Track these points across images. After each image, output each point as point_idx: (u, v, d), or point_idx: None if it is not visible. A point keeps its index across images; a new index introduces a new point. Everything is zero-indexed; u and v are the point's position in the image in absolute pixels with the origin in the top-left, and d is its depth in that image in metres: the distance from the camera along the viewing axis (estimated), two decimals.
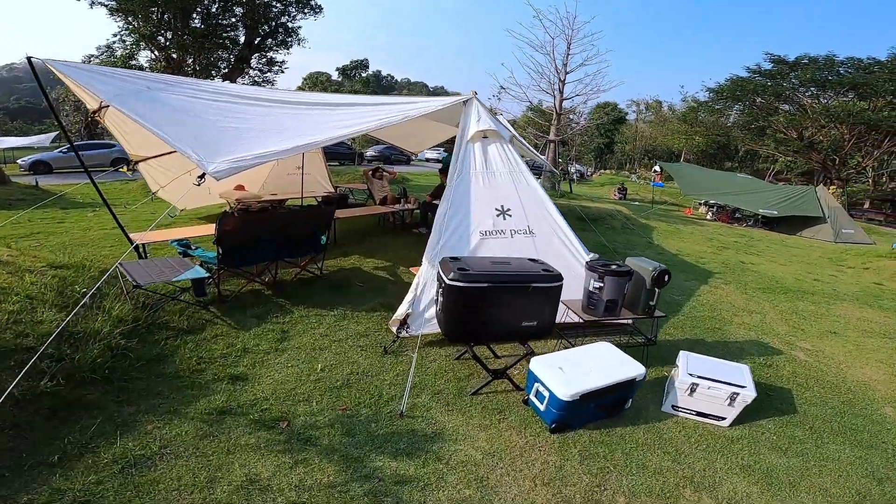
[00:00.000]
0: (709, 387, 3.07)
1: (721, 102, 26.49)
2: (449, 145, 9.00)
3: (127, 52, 17.61)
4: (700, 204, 18.09)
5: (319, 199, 9.11)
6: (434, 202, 7.16)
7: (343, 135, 3.82)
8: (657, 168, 38.99)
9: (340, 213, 6.56)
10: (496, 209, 4.13)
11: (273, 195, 8.77)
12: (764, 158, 36.24)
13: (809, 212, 14.60)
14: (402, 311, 3.67)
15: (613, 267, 3.34)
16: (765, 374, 4.03)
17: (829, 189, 16.57)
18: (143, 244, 4.83)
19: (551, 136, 17.75)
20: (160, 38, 17.17)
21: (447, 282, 2.81)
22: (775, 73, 22.33)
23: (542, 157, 21.79)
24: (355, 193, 10.43)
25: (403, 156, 27.69)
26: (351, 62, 43.11)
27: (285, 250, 4.63)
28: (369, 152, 27.41)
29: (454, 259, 3.08)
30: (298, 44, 21.77)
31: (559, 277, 3.02)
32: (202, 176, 2.87)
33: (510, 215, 4.14)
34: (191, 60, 17.88)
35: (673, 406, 3.21)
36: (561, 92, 16.65)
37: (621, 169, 46.64)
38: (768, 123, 24.35)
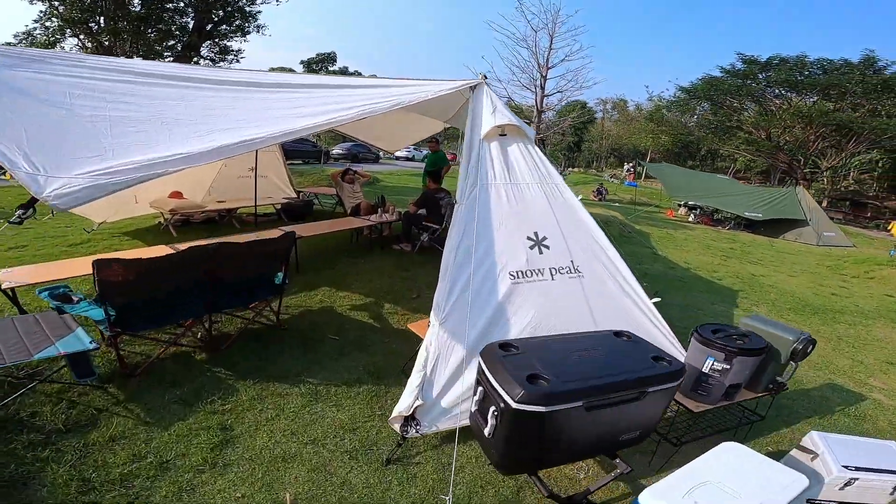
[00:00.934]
0: (871, 479, 2.24)
1: (694, 102, 26.60)
2: (428, 143, 7.75)
3: (49, 38, 15.17)
4: (679, 205, 17.77)
5: (279, 207, 7.63)
6: (419, 212, 5.90)
7: (305, 128, 2.52)
8: (629, 166, 39.28)
9: (302, 231, 5.17)
10: (529, 238, 2.95)
11: (220, 203, 7.23)
12: (723, 157, 37.21)
13: (792, 214, 14.45)
14: (406, 402, 2.43)
15: (742, 342, 2.25)
16: (863, 428, 3.32)
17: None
18: (10, 288, 3.23)
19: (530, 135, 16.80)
20: (92, 23, 14.88)
21: (514, 405, 1.60)
22: (748, 73, 22.45)
23: None
24: (322, 199, 8.97)
25: (371, 154, 26.11)
26: (317, 55, 40.69)
27: (222, 300, 3.26)
28: (336, 150, 25.60)
29: (507, 348, 1.89)
30: (257, 31, 19.76)
31: (681, 371, 1.90)
32: (28, 206, 1.51)
33: (547, 246, 2.98)
34: (128, 48, 15.65)
35: (809, 501, 2.25)
36: (542, 88, 15.71)
37: (589, 167, 46.87)
38: (738, 124, 24.59)
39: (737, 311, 5.69)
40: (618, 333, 2.18)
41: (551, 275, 2.92)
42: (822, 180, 26.07)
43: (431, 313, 2.67)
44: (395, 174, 20.97)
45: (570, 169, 41.76)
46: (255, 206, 6.74)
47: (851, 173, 25.44)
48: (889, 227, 22.10)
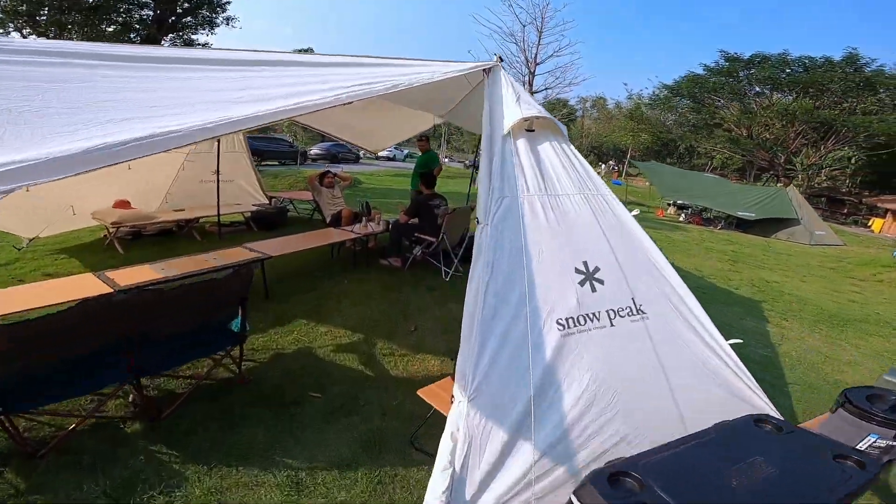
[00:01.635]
0: None
1: (676, 99, 26.54)
2: (417, 141, 6.94)
3: None
4: (669, 205, 17.47)
5: (248, 215, 6.68)
6: (412, 222, 5.08)
7: (248, 117, 1.68)
8: (612, 164, 39.22)
9: (273, 248, 4.29)
10: (578, 270, 2.19)
11: (179, 212, 6.24)
12: (700, 155, 37.61)
13: (784, 213, 14.25)
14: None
15: None
16: None
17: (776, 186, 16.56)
18: None
19: None
20: (40, 16, 13.45)
21: None
22: (731, 70, 22.41)
23: None
24: (298, 205, 8.04)
25: (351, 154, 25.03)
26: (293, 51, 39.14)
27: (151, 361, 2.38)
28: (314, 150, 24.40)
29: (622, 482, 1.11)
30: (227, 23, 18.48)
31: (875, 476, 1.18)
32: None
33: (601, 281, 2.22)
34: (76, 39, 14.24)
35: None
36: (530, 85, 15.07)
37: None
38: (720, 121, 24.61)
39: (770, 327, 5.10)
40: (758, 420, 1.45)
41: (609, 319, 2.17)
42: (799, 177, 26.43)
43: (455, 387, 1.87)
44: (377, 175, 20.00)
45: None
46: (219, 215, 5.79)
47: (824, 170, 25.86)
48: (869, 224, 22.46)
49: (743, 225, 14.64)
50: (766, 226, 14.33)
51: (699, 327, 2.39)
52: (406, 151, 34.05)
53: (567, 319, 2.06)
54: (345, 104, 1.91)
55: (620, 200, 2.62)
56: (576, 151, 2.61)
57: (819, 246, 13.22)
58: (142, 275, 3.35)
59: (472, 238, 5.68)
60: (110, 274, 3.40)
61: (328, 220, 5.66)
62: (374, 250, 5.75)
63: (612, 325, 2.17)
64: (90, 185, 5.46)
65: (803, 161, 23.46)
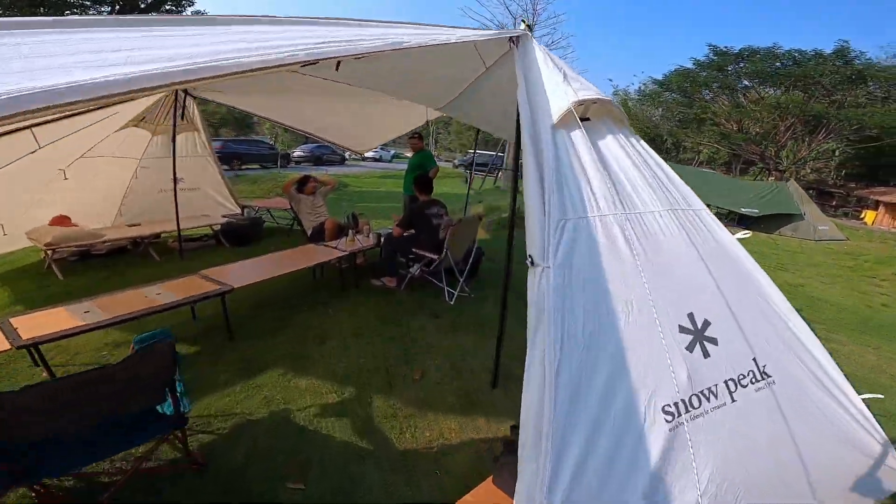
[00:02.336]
0: None
1: (666, 94, 26.23)
2: (409, 139, 6.16)
3: None
4: None
5: (217, 228, 5.82)
6: (406, 233, 4.31)
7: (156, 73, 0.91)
8: None
9: (237, 276, 3.48)
10: (683, 328, 1.46)
11: (133, 227, 5.36)
12: (686, 149, 37.52)
13: (787, 209, 13.85)
14: None
15: None
16: None
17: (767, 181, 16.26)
18: None
19: None
20: None
21: None
22: (721, 65, 22.11)
23: (490, 153, 19.55)
24: (276, 214, 7.18)
25: (336, 155, 24.08)
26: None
27: (45, 463, 1.58)
28: (297, 152, 23.40)
29: None
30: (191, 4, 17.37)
31: None
32: None
33: (713, 340, 1.49)
34: None
35: None
36: None
37: None
38: (712, 116, 24.35)
39: (826, 345, 4.47)
40: None
41: (729, 393, 1.44)
42: (786, 171, 26.33)
43: None
44: (365, 177, 19.15)
45: None
46: (179, 230, 4.94)
47: (809, 163, 25.80)
48: (861, 216, 22.38)
49: (745, 221, 14.21)
50: (770, 222, 13.93)
51: (827, 382, 1.68)
52: (393, 152, 33.19)
53: (675, 404, 1.33)
54: (305, 63, 1.15)
55: None
56: (647, 147, 1.88)
57: (823, 241, 12.84)
58: (57, 321, 2.53)
59: (479, 251, 4.94)
60: (17, 320, 2.57)
61: (309, 233, 4.85)
62: (364, 267, 4.96)
63: (732, 399, 1.44)
64: (24, 200, 4.58)
65: (789, 155, 23.32)
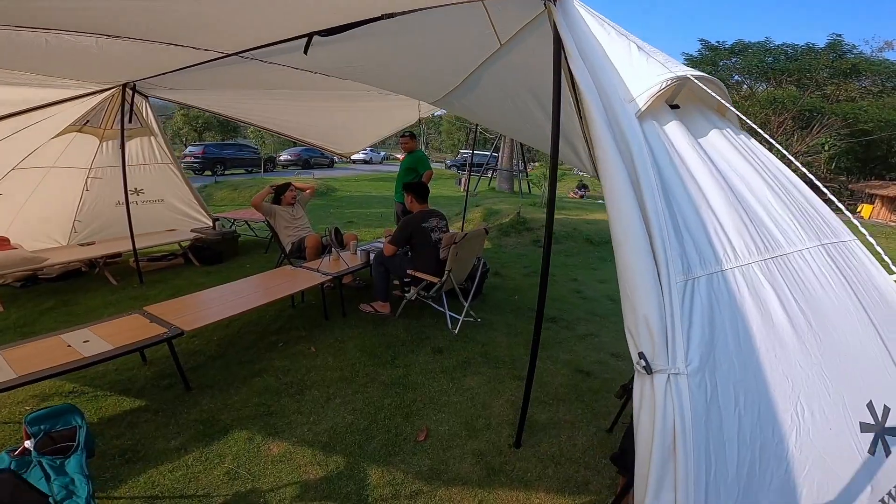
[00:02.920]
0: None
1: None
2: (400, 139, 5.53)
3: None
4: None
5: (186, 244, 5.14)
6: (400, 249, 3.67)
7: None
8: None
9: (190, 313, 2.83)
10: (863, 425, 0.86)
11: (86, 247, 4.68)
12: None
13: None
14: None
15: None
16: None
17: None
18: None
19: None
20: None
21: None
22: (714, 60, 21.80)
23: (486, 153, 18.91)
24: (255, 226, 6.49)
25: (325, 158, 23.33)
26: None
27: None
28: (283, 156, 22.62)
29: None
30: None
31: None
32: None
33: (893, 430, 0.89)
34: None
35: None
36: None
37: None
38: None
39: None
40: None
41: None
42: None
43: None
44: (354, 180, 18.49)
45: (532, 164, 40.42)
46: (134, 249, 4.26)
47: (800, 158, 25.70)
48: (858, 210, 22.22)
49: None
50: None
51: None
52: (383, 153, 32.48)
53: None
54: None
55: None
56: (761, 147, 1.28)
57: None
58: None
59: (485, 266, 4.31)
60: None
61: (287, 251, 4.19)
62: (350, 286, 4.33)
63: None
64: None
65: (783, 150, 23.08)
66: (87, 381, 2.83)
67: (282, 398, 2.69)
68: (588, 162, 3.50)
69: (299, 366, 3.02)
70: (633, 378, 2.60)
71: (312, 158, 22.73)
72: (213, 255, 5.04)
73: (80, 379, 2.83)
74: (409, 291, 3.52)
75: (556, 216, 7.38)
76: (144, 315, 2.65)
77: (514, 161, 15.77)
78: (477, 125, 8.36)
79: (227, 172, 18.15)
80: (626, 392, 2.46)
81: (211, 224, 5.39)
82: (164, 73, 3.25)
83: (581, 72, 1.12)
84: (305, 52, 2.29)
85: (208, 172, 17.04)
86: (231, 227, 5.83)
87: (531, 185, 15.35)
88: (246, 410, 2.57)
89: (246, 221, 6.23)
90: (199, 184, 13.17)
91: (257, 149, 19.29)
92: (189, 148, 19.23)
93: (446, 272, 3.29)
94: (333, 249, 3.75)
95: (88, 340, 2.38)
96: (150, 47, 2.53)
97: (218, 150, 18.85)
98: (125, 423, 2.47)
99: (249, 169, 19.49)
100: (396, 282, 3.79)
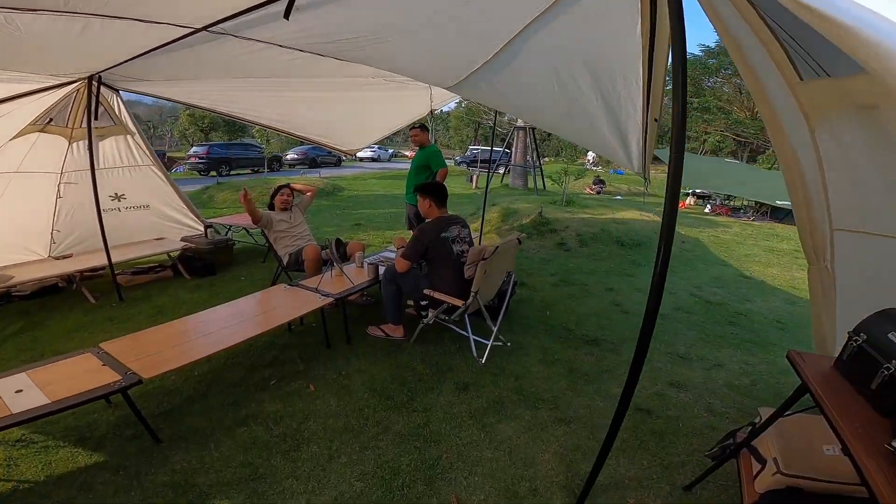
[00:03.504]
0: None
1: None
2: (410, 132, 4.95)
3: None
4: (688, 194, 15.80)
5: (176, 255, 4.64)
6: (415, 265, 3.08)
7: None
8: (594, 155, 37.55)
9: (148, 345, 2.29)
10: None
11: (62, 260, 4.19)
12: (689, 139, 36.29)
13: None
14: None
15: None
16: None
17: None
18: None
19: (520, 122, 14.35)
20: None
21: None
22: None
23: (499, 149, 18.22)
24: (254, 232, 5.95)
25: (332, 156, 22.87)
26: None
27: None
28: (290, 155, 22.21)
29: None
30: None
31: None
32: None
33: None
34: None
35: None
36: None
37: (558, 156, 44.97)
38: (725, 103, 23.23)
39: None
40: None
41: None
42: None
43: None
44: (362, 178, 17.98)
45: (544, 158, 39.49)
46: (110, 262, 3.75)
47: None
48: None
49: (777, 213, 13.03)
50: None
51: None
52: (391, 150, 31.96)
53: None
54: None
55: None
56: None
57: None
58: None
59: (515, 285, 3.65)
60: None
61: (284, 263, 3.64)
62: (356, 303, 3.78)
63: None
64: None
65: None
66: (38, 427, 2.32)
67: (273, 456, 2.15)
68: (638, 159, 2.89)
69: (295, 410, 2.47)
70: (733, 433, 1.96)
71: (319, 157, 22.30)
72: (205, 266, 4.52)
73: (30, 425, 2.33)
74: (426, 315, 2.95)
75: (580, 215, 6.55)
76: (98, 355, 2.12)
77: (529, 157, 15.12)
78: (496, 116, 7.75)
79: (232, 173, 17.78)
80: (725, 452, 1.87)
81: (203, 229, 4.87)
82: (128, 60, 2.71)
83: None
84: (286, 16, 1.73)
85: (213, 173, 16.66)
86: (227, 233, 5.32)
87: (545, 181, 14.67)
88: (227, 472, 2.04)
89: (244, 228, 5.70)
90: (200, 185, 12.74)
91: (262, 148, 18.89)
92: (193, 148, 18.90)
93: (472, 294, 2.71)
94: (334, 263, 3.20)
95: (21, 390, 1.86)
96: (106, 25, 2.00)
97: (223, 150, 18.49)
98: (78, 483, 1.95)
99: (255, 169, 19.10)
100: (410, 302, 3.22)
